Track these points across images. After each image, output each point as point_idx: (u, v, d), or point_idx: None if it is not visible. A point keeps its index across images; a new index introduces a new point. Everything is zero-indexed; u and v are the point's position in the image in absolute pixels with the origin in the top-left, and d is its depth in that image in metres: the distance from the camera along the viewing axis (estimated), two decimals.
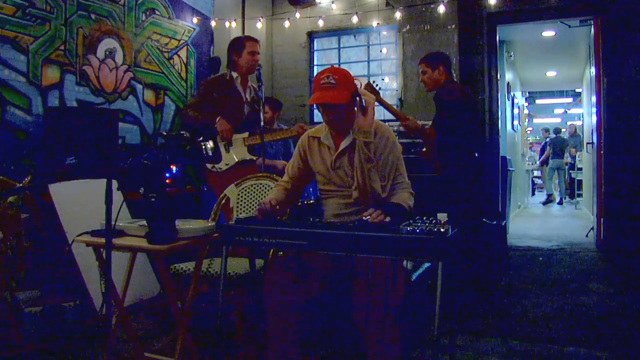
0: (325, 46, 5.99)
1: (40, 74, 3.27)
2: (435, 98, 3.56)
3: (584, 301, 3.32)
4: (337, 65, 5.67)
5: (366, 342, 1.81)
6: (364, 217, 1.86)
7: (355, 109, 2.08)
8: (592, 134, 5.75)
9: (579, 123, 10.92)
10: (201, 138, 3.45)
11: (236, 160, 3.41)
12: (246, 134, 3.43)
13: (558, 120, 14.44)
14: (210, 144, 3.43)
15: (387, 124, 2.40)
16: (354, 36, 5.81)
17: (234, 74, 3.48)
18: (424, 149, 3.68)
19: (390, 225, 1.71)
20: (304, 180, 2.30)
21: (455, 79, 4.93)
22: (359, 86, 2.19)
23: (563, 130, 10.87)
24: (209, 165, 3.43)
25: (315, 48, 5.97)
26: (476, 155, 3.49)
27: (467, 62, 5.10)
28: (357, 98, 2.04)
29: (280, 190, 2.23)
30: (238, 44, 3.49)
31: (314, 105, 2.12)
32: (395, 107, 4.30)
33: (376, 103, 2.78)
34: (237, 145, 3.43)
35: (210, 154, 3.43)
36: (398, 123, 4.38)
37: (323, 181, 2.20)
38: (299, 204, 2.47)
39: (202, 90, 3.52)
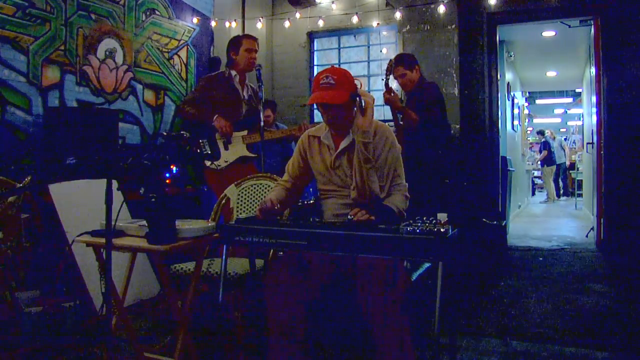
0: (325, 46, 5.98)
1: (40, 74, 3.27)
2: (411, 95, 3.73)
3: (584, 301, 3.32)
4: (337, 65, 5.69)
5: (375, 342, 1.81)
6: (349, 217, 1.88)
7: (355, 109, 2.07)
8: (592, 134, 5.75)
9: (579, 123, 11.04)
10: (198, 135, 3.44)
11: (235, 157, 3.41)
12: (245, 132, 3.43)
13: (558, 120, 14.44)
14: (207, 142, 3.43)
15: (386, 124, 2.39)
16: (354, 36, 5.81)
17: (233, 72, 3.51)
18: (401, 122, 3.78)
19: (389, 225, 1.71)
20: (305, 180, 2.29)
21: (455, 79, 4.99)
22: (359, 86, 2.20)
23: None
24: (207, 163, 3.43)
25: (315, 48, 5.97)
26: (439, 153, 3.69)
27: (467, 62, 5.10)
28: (357, 98, 2.03)
29: (281, 190, 2.23)
30: (236, 42, 3.53)
31: (314, 105, 2.13)
32: None
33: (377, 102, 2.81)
34: (236, 142, 3.43)
35: (209, 152, 3.43)
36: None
37: (323, 181, 2.20)
38: (299, 204, 2.47)
39: (201, 87, 3.54)
